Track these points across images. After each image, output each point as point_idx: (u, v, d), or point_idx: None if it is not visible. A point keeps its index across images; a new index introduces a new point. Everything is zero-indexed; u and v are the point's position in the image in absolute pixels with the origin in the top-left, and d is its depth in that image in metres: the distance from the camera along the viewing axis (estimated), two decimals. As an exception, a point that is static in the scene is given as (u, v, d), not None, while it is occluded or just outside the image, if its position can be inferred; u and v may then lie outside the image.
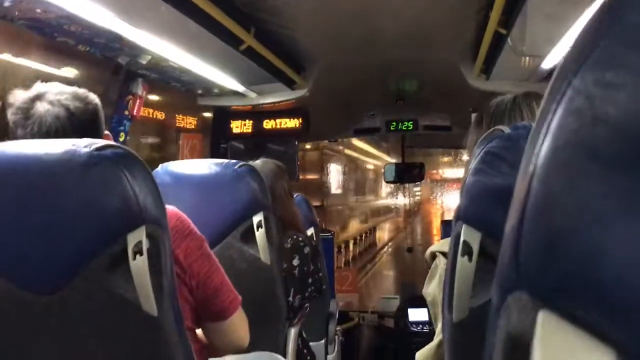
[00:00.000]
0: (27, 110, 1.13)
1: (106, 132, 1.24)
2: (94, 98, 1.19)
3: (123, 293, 0.98)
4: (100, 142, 1.00)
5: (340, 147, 8.70)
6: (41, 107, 1.12)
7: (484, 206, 0.84)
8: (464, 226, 0.86)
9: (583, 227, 0.23)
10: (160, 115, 2.91)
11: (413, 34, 2.74)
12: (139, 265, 0.98)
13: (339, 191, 9.72)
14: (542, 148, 0.26)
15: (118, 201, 0.98)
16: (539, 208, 0.26)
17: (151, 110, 2.84)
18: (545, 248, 0.25)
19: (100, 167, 0.97)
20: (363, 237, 10.25)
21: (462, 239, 0.86)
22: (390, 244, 13.09)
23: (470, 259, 0.84)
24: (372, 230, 11.82)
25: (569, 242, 0.24)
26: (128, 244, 0.97)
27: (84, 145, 0.99)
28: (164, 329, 1.02)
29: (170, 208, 1.25)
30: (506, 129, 0.85)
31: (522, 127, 0.84)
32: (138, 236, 0.98)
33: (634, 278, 0.21)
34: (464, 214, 0.87)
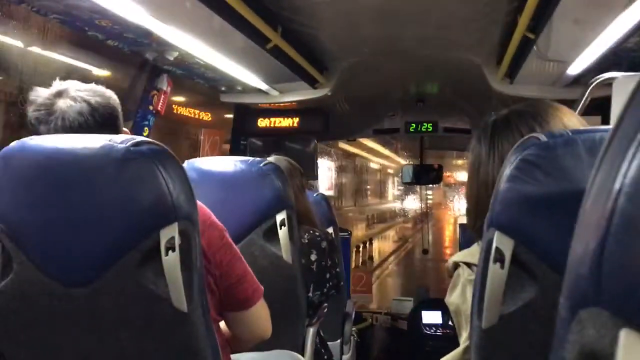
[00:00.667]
0: (50, 105, 1.15)
1: (125, 129, 1.25)
2: (112, 94, 1.21)
3: (154, 288, 1.00)
4: (137, 138, 1.02)
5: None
6: (63, 103, 1.14)
7: (518, 214, 0.84)
8: (496, 233, 0.86)
9: None
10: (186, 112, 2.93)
11: (437, 36, 2.73)
12: (171, 261, 0.99)
13: (329, 193, 9.13)
14: (632, 166, 0.26)
15: (153, 197, 0.99)
16: (628, 227, 0.26)
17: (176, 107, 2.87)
18: (633, 268, 0.25)
19: (136, 163, 0.99)
20: (361, 248, 9.63)
21: (494, 245, 0.85)
22: (394, 255, 12.46)
23: (502, 266, 0.84)
24: (370, 241, 11.29)
25: None
26: (161, 240, 0.99)
27: (120, 140, 1.00)
28: (193, 324, 1.03)
29: None
30: (542, 137, 0.85)
31: (558, 135, 0.84)
32: (171, 232, 0.99)
33: None
34: (496, 221, 0.87)
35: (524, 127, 1.10)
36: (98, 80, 1.26)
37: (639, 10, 1.72)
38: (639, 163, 0.26)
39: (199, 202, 1.29)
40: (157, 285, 1.00)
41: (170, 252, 0.99)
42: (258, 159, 1.74)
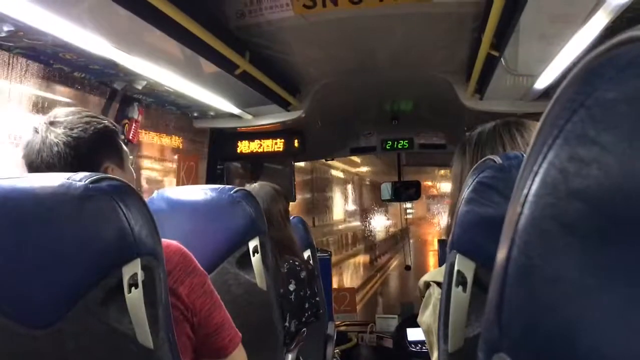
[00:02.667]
0: (31, 143, 1.14)
1: (112, 164, 1.23)
2: (96, 124, 1.19)
3: (118, 326, 0.98)
4: (95, 175, 1.01)
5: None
6: (42, 143, 1.14)
7: (477, 236, 0.85)
8: (457, 256, 0.86)
9: (562, 300, 0.24)
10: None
11: (407, 55, 2.77)
12: (134, 297, 0.98)
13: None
14: (521, 218, 0.26)
15: (113, 234, 0.98)
16: (520, 277, 0.26)
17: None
18: (525, 316, 0.25)
19: (95, 200, 0.98)
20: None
21: (456, 268, 0.86)
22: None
23: (464, 289, 0.84)
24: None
25: (548, 313, 0.24)
26: (123, 277, 0.97)
27: (79, 178, 0.99)
28: (160, 361, 1.01)
29: (174, 243, 1.25)
30: (498, 159, 0.85)
31: (513, 157, 0.85)
32: (133, 268, 0.98)
33: (610, 354, 0.22)
34: (457, 244, 0.88)
35: (507, 137, 1.12)
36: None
37: (596, 25, 1.76)
38: (528, 215, 0.26)
39: (182, 246, 1.28)
40: (121, 322, 0.99)
41: (133, 288, 0.98)
42: (229, 186, 1.73)
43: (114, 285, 0.97)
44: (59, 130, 1.15)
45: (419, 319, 1.15)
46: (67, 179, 0.99)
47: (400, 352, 4.12)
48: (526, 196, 0.26)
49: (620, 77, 0.25)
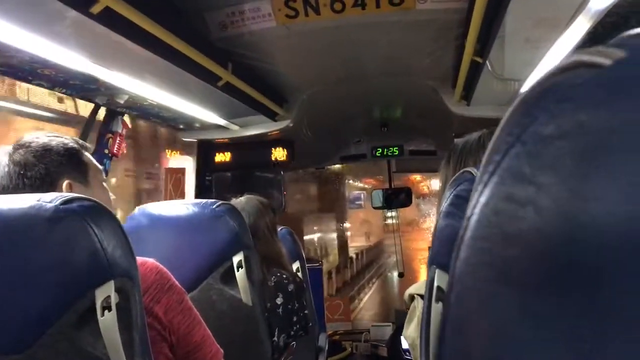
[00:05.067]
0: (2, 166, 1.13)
1: (74, 180, 1.21)
2: (56, 143, 1.17)
3: (92, 350, 0.96)
4: (66, 196, 0.98)
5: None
6: (5, 164, 1.12)
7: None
8: (437, 271, 0.84)
9: (499, 353, 0.22)
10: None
11: (392, 62, 2.76)
12: (108, 321, 0.95)
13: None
14: (457, 264, 0.24)
15: (85, 256, 0.95)
16: (456, 328, 0.24)
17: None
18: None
19: (66, 222, 0.95)
20: None
21: (435, 284, 0.84)
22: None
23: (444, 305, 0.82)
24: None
25: None
26: (96, 300, 0.95)
27: (49, 199, 0.97)
28: (136, 386, 0.99)
29: (150, 261, 1.23)
30: (475, 171, 0.84)
31: (490, 170, 0.83)
32: (106, 291, 0.95)
33: None
34: (436, 259, 0.86)
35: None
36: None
37: (579, 29, 1.75)
38: (463, 261, 0.24)
39: (159, 264, 1.25)
40: (95, 347, 0.96)
41: (106, 312, 0.95)
42: (211, 200, 1.70)
43: (87, 309, 0.95)
44: (21, 152, 1.13)
45: (404, 333, 1.13)
46: (38, 200, 0.97)
47: (395, 361, 4.09)
48: (462, 238, 0.24)
49: (558, 109, 0.23)
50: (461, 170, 0.87)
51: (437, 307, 0.83)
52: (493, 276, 0.22)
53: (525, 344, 0.21)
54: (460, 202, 0.82)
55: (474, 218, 0.24)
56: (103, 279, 0.95)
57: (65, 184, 1.18)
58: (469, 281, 0.23)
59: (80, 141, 1.24)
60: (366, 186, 10.85)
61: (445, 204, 0.84)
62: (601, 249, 0.20)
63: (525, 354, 0.21)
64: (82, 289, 0.95)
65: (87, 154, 1.24)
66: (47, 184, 1.14)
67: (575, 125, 0.21)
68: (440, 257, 0.85)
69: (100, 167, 2.46)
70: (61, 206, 0.95)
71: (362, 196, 10.33)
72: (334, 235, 8.61)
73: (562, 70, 0.24)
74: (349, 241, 10.42)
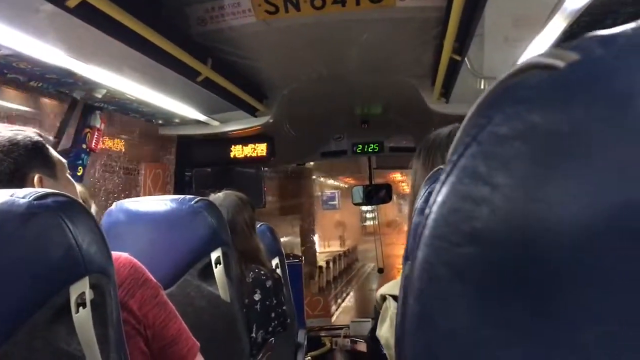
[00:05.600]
0: None
1: (44, 174, 1.19)
2: (21, 137, 1.15)
3: (66, 347, 0.95)
4: (40, 191, 0.97)
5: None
6: None
7: (429, 247, 0.83)
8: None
9: (457, 351, 0.22)
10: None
11: (373, 59, 2.77)
12: (82, 317, 0.94)
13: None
14: (416, 263, 0.25)
15: (59, 252, 0.95)
16: (416, 328, 0.24)
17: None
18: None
19: (40, 218, 0.94)
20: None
21: (410, 281, 0.84)
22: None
23: (418, 302, 0.83)
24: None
25: None
26: (71, 296, 0.94)
27: (23, 195, 0.95)
28: (111, 382, 0.98)
29: (124, 255, 1.22)
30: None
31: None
32: (81, 287, 0.95)
33: None
34: (412, 255, 0.86)
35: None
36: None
37: (555, 28, 1.78)
38: (422, 260, 0.25)
39: (133, 258, 1.24)
40: (69, 344, 0.95)
41: (81, 308, 0.94)
42: (189, 196, 1.69)
43: (62, 305, 0.94)
44: None
45: (377, 333, 1.14)
46: (10, 195, 0.95)
47: (374, 356, 4.11)
48: (420, 237, 0.25)
49: (514, 110, 0.23)
50: (436, 168, 0.87)
51: (411, 304, 0.84)
52: (450, 275, 0.23)
53: (481, 343, 0.21)
54: (434, 200, 0.83)
55: (432, 217, 0.25)
56: (78, 275, 0.95)
57: (36, 178, 1.16)
58: (426, 280, 0.24)
59: (43, 135, 1.22)
60: (342, 185, 10.03)
61: (420, 201, 0.85)
62: (553, 251, 0.20)
63: (482, 352, 0.21)
64: (56, 286, 0.94)
65: (51, 148, 1.23)
66: (17, 179, 1.13)
67: (529, 127, 0.22)
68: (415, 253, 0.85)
69: (79, 162, 2.45)
70: (35, 202, 0.94)
71: (336, 196, 9.43)
72: (297, 240, 7.63)
73: (519, 72, 0.24)
74: (320, 247, 9.52)
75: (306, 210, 8.40)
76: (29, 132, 1.17)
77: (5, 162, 1.11)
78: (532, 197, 0.21)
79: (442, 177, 0.25)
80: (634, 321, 0.18)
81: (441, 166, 0.89)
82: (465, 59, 2.20)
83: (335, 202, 9.44)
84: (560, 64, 0.23)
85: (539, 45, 1.99)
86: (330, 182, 10.07)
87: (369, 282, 9.54)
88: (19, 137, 1.15)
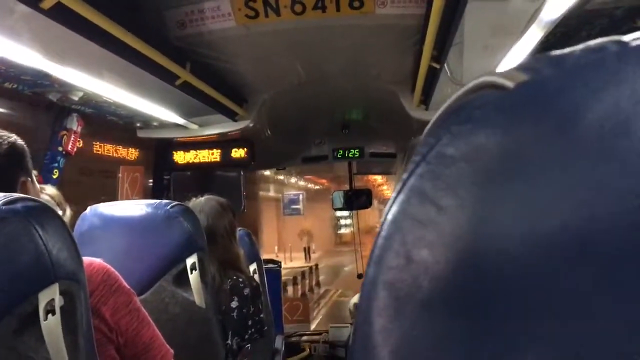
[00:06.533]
0: None
1: (25, 178, 1.17)
2: (1, 144, 1.13)
3: (34, 355, 0.93)
4: (10, 196, 0.95)
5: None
6: None
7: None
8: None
9: None
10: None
11: (353, 65, 2.78)
12: (51, 325, 0.93)
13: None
14: (367, 280, 0.25)
15: (28, 258, 0.93)
16: (364, 344, 0.24)
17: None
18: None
19: (8, 223, 0.92)
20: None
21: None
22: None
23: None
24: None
25: None
26: (39, 303, 0.92)
27: (-9, 199, 0.94)
28: (80, 391, 0.97)
29: (97, 261, 1.20)
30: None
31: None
32: (50, 294, 0.93)
33: None
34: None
35: None
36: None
37: (532, 38, 1.80)
38: (370, 279, 0.24)
39: (106, 264, 1.22)
40: (37, 352, 0.93)
41: (50, 315, 0.93)
42: (165, 201, 1.68)
43: (30, 313, 0.92)
44: None
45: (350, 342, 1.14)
46: (-22, 200, 0.93)
47: (352, 362, 4.10)
48: (371, 256, 0.25)
49: (459, 130, 0.23)
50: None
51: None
52: (398, 295, 0.23)
53: None
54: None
55: (382, 234, 0.25)
56: (47, 282, 0.93)
57: (21, 182, 1.14)
58: (375, 299, 0.24)
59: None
60: (309, 185, 8.89)
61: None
62: (499, 271, 0.20)
63: None
64: (23, 293, 0.92)
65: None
66: (6, 183, 1.10)
67: (474, 148, 0.22)
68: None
69: (54, 165, 2.41)
70: (3, 207, 0.92)
71: (300, 198, 8.04)
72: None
73: (471, 91, 0.24)
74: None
75: (251, 216, 7.25)
76: (11, 136, 1.15)
77: None
78: (478, 219, 0.21)
79: (394, 195, 0.25)
80: (574, 343, 0.18)
81: None
82: (445, 66, 2.22)
83: (299, 207, 7.98)
84: (509, 84, 0.23)
85: (518, 53, 2.02)
86: (294, 181, 8.67)
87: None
88: (3, 138, 1.13)
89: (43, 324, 0.92)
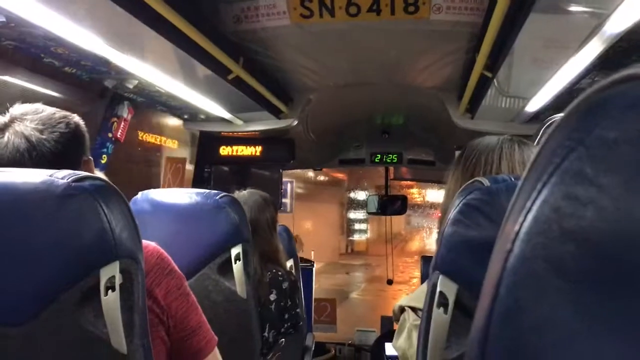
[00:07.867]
0: None
1: (87, 157, 1.21)
2: (69, 123, 1.17)
3: (92, 329, 0.96)
4: (78, 174, 0.99)
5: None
6: (5, 137, 1.11)
7: (461, 258, 0.84)
8: (440, 277, 0.85)
9: (548, 344, 0.23)
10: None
11: (401, 69, 2.77)
12: (111, 301, 0.96)
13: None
14: (510, 256, 0.25)
15: (93, 234, 0.96)
16: (505, 319, 0.25)
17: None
18: (509, 358, 0.24)
19: (76, 199, 0.96)
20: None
21: (438, 289, 0.85)
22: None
23: (445, 311, 0.84)
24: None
25: (533, 357, 0.23)
26: (101, 279, 0.95)
27: (62, 176, 0.97)
28: (133, 367, 0.99)
29: (151, 244, 1.23)
30: (486, 181, 0.85)
31: (501, 181, 0.84)
32: (111, 271, 0.96)
33: None
34: (441, 264, 0.87)
35: (506, 153, 1.09)
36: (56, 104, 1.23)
37: (590, 52, 1.77)
38: (518, 253, 0.25)
39: (160, 248, 1.26)
40: (95, 326, 0.96)
41: (110, 291, 0.96)
42: (214, 191, 1.71)
43: (91, 287, 0.95)
44: (30, 127, 1.12)
45: (393, 344, 1.14)
46: (50, 176, 0.97)
47: (377, 367, 4.10)
48: (517, 233, 0.25)
49: (622, 116, 0.24)
50: (471, 180, 0.88)
51: (438, 312, 0.85)
52: (547, 270, 0.23)
53: (575, 337, 0.22)
54: (469, 211, 0.83)
55: (531, 215, 0.25)
56: (109, 259, 0.96)
57: (84, 161, 1.19)
58: (522, 274, 0.25)
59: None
60: (309, 174, 7.03)
61: (454, 212, 0.85)
62: None
63: (575, 346, 0.22)
64: (87, 268, 0.95)
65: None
66: (71, 161, 1.14)
67: (638, 132, 0.23)
68: (446, 263, 0.86)
69: (103, 150, 2.47)
70: (73, 183, 0.96)
71: (288, 190, 6.16)
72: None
73: (620, 82, 0.25)
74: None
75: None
76: (72, 115, 1.19)
77: (51, 144, 1.13)
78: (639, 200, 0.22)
79: (544, 177, 0.26)
80: None
81: (477, 178, 0.89)
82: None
83: (287, 201, 6.08)
84: None
85: (572, 68, 1.98)
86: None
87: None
88: (67, 118, 1.17)
89: (103, 299, 0.95)
